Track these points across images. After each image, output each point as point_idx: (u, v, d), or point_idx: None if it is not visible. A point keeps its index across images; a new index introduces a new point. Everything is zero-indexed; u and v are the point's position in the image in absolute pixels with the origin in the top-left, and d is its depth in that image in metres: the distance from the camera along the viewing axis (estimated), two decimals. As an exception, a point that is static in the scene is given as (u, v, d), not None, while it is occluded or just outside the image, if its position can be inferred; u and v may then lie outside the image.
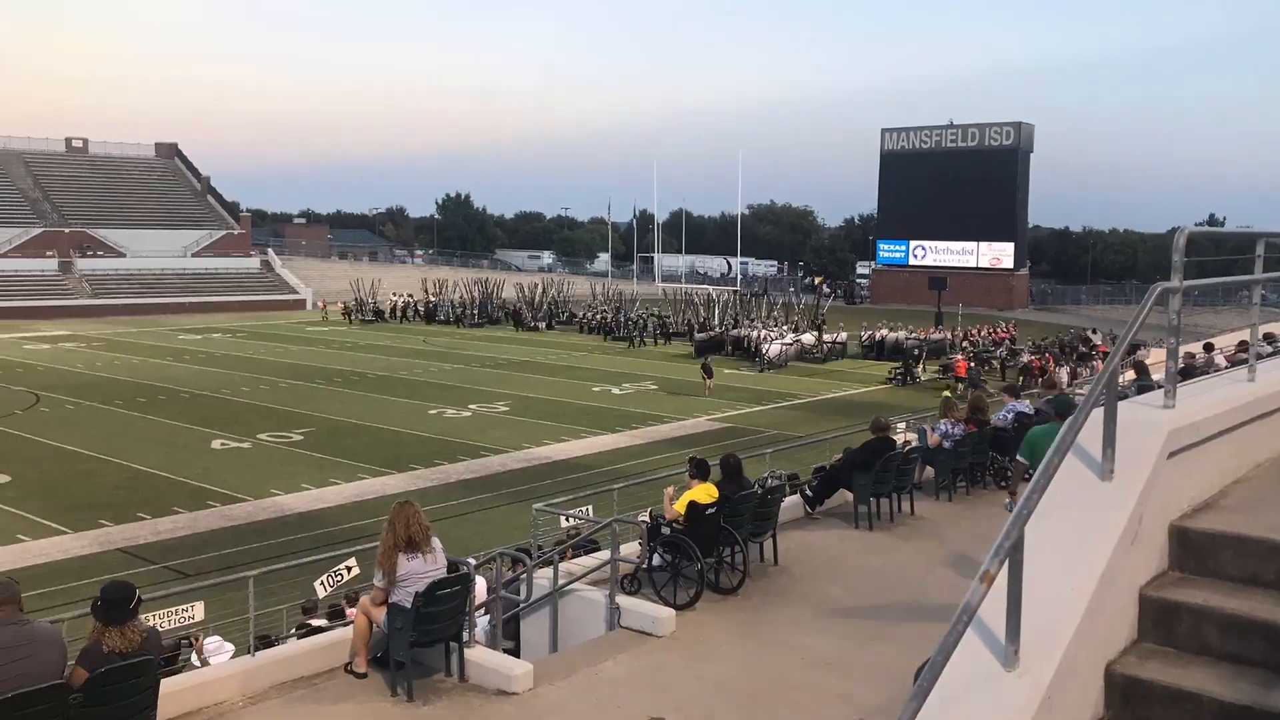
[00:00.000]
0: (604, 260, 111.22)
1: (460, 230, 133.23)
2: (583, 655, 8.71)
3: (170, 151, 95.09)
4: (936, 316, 60.71)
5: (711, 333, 54.00)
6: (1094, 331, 53.90)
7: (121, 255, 79.37)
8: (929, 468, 13.91)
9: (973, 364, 41.98)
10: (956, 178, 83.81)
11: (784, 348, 47.12)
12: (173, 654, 10.56)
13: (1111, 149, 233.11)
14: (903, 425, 18.08)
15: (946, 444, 13.64)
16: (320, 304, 72.33)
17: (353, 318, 67.88)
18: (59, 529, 21.39)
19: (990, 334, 55.64)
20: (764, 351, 46.33)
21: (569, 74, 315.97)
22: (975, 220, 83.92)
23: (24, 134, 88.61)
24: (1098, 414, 3.96)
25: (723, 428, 32.50)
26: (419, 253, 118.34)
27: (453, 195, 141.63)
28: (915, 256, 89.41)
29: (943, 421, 14.00)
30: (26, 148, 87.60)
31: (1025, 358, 42.57)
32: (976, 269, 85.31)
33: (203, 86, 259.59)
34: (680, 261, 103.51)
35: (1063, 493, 3.74)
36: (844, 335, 52.43)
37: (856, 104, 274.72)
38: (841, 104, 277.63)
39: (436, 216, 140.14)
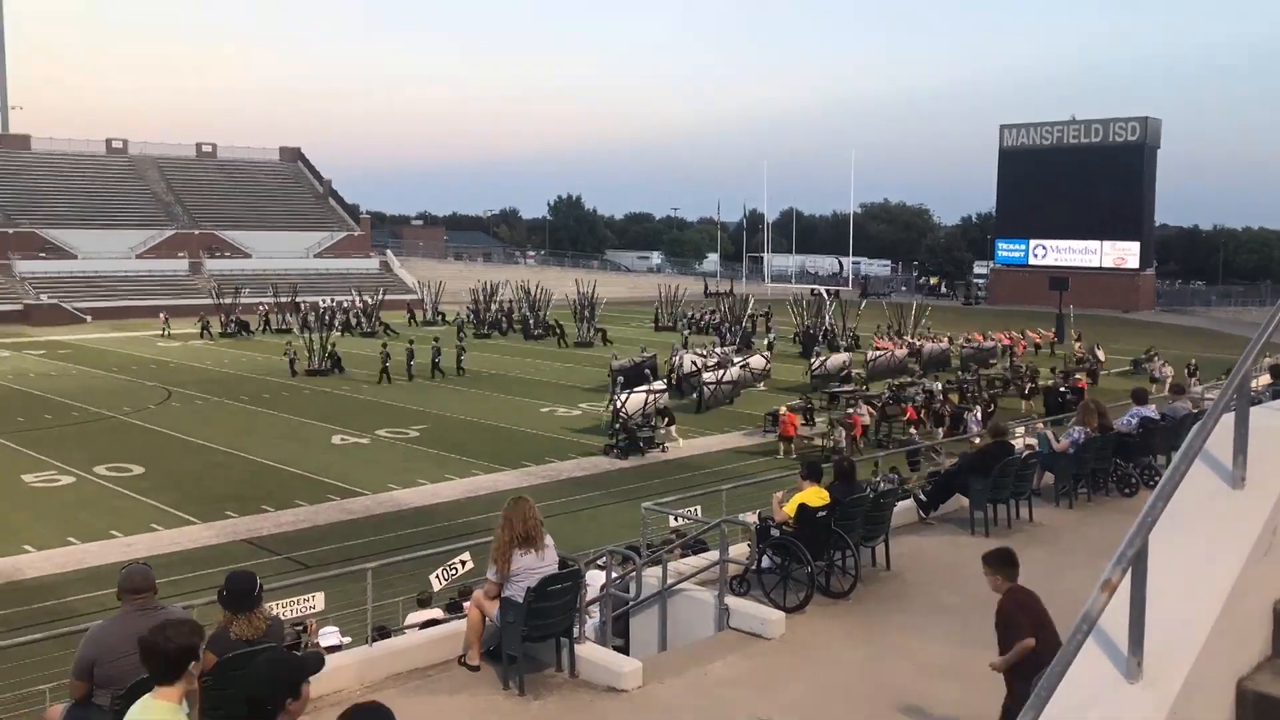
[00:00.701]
0: (713, 260, 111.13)
1: (571, 231, 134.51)
2: (692, 655, 8.72)
3: (294, 156, 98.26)
4: (1058, 318, 59.09)
5: (639, 358, 40.76)
6: (1099, 347, 45.58)
7: (247, 256, 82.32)
8: (1049, 473, 13.55)
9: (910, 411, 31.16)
10: (1079, 175, 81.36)
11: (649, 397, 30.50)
12: (294, 643, 10.90)
13: (1245, 142, 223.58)
14: (1021, 430, 17.65)
15: (1071, 450, 13.28)
16: (162, 316, 60.08)
17: (208, 332, 57.50)
18: (188, 519, 22.30)
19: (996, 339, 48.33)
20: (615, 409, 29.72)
21: (680, 74, 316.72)
22: (1099, 218, 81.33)
23: (158, 139, 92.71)
24: (1228, 419, 3.81)
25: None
26: (531, 254, 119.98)
27: (564, 197, 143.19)
28: (1035, 256, 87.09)
29: (1076, 429, 13.59)
30: (160, 153, 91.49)
31: (850, 411, 30.46)
32: (1100, 269, 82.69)
33: (325, 93, 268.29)
34: (790, 261, 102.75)
35: (1190, 500, 3.61)
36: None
37: (974, 100, 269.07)
38: (958, 100, 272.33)
39: (548, 218, 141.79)
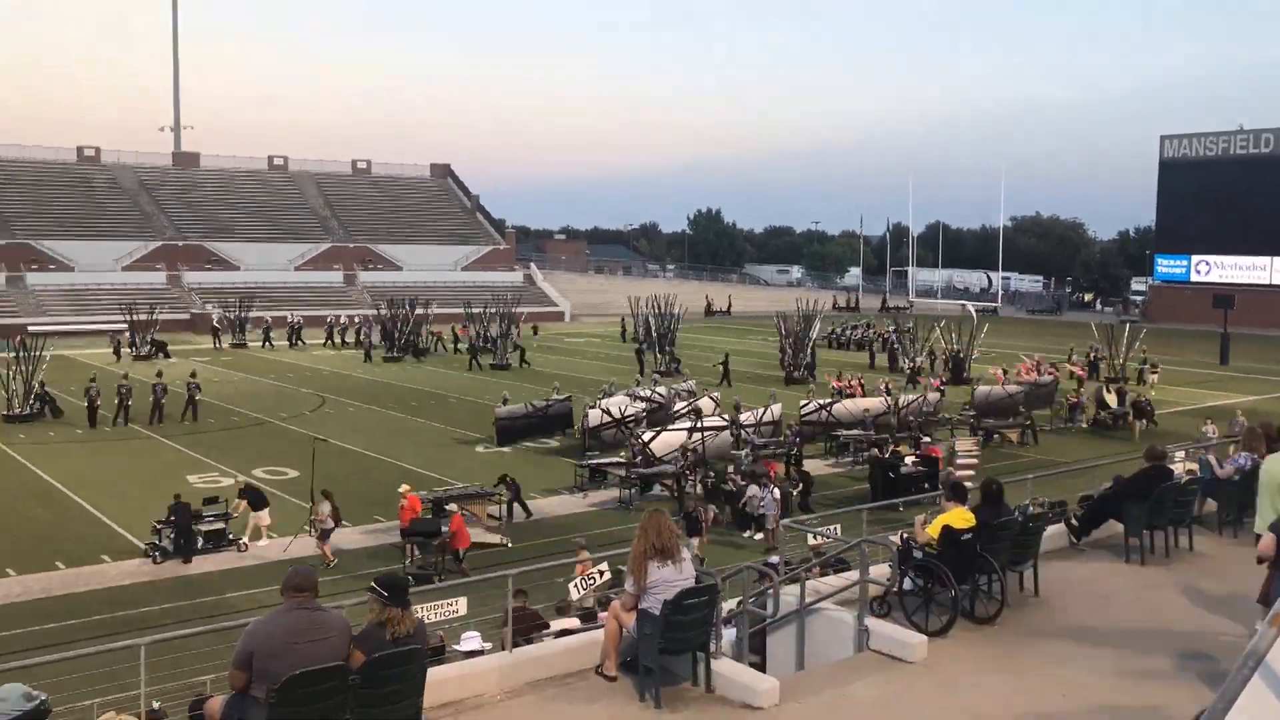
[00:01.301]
0: (855, 274, 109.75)
1: (710, 245, 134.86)
2: (830, 675, 8.60)
3: (443, 172, 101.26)
4: (1223, 338, 56.25)
5: (550, 399, 33.47)
6: (1126, 383, 39.19)
7: (398, 269, 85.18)
8: (1210, 501, 12.90)
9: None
10: (1247, 186, 77.56)
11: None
12: (439, 646, 11.18)
13: None
14: (1181, 454, 16.85)
15: (1236, 476, 12.61)
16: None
17: (120, 352, 52.13)
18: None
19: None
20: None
21: (822, 85, 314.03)
22: (1269, 233, 77.30)
23: (316, 157, 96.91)
24: None
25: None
26: (670, 267, 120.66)
27: (704, 210, 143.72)
28: (1198, 272, 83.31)
29: (1241, 454, 12.91)
30: (318, 169, 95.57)
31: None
32: (1270, 286, 78.48)
33: (474, 111, 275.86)
34: (936, 276, 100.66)
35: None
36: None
37: (1132, 110, 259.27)
38: (1115, 109, 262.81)
39: (688, 231, 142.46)
